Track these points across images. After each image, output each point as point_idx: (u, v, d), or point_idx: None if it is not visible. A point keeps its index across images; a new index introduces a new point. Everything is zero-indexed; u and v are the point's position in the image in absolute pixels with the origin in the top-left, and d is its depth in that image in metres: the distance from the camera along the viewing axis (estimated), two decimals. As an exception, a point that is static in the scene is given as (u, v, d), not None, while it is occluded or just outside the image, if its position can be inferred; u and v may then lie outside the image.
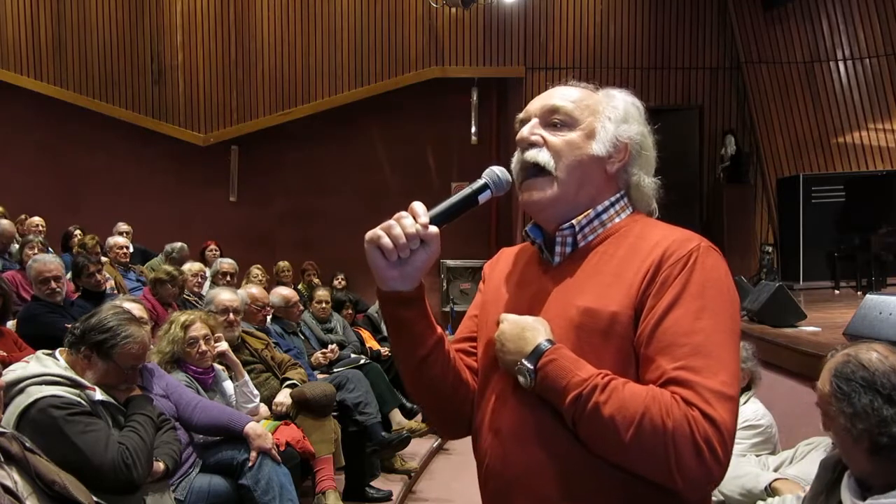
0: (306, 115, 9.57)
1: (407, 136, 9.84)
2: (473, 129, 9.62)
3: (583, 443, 1.15)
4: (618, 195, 1.32)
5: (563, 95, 1.32)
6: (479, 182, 1.27)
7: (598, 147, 1.29)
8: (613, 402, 1.10)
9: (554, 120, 1.30)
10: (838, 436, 1.61)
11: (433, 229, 1.19)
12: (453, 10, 9.28)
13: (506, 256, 1.46)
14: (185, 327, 3.31)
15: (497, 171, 1.29)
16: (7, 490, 1.73)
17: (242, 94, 9.65)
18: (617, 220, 1.30)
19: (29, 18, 9.48)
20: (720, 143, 9.41)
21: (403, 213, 1.19)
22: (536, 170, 1.29)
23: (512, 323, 1.24)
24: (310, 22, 9.58)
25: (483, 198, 1.27)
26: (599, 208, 1.30)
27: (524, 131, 1.31)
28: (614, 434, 1.10)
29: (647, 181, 1.33)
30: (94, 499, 2.05)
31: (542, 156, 1.29)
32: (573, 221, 1.28)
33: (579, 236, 1.29)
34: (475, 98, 9.58)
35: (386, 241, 1.17)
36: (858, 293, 7.21)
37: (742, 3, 9.42)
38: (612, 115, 1.31)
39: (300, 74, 9.59)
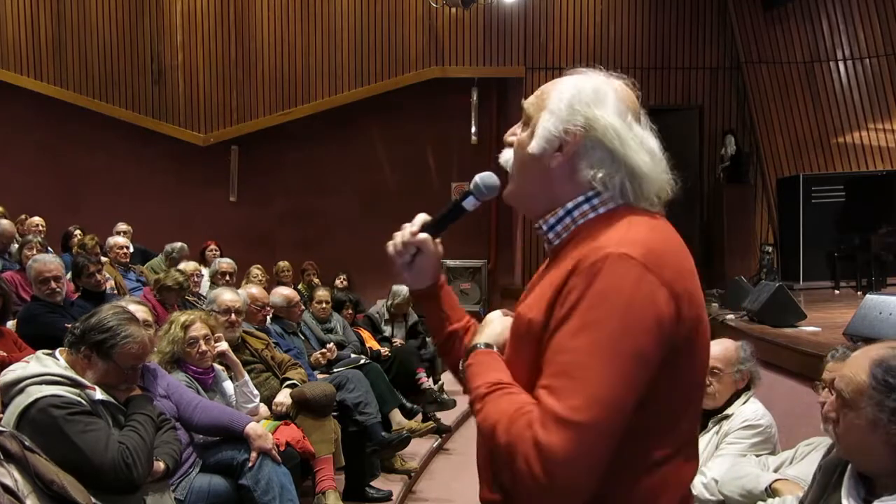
0: (306, 115, 9.58)
1: (407, 136, 9.85)
2: (473, 129, 9.63)
3: None
4: (591, 193, 1.20)
5: (537, 91, 1.28)
6: (465, 189, 1.35)
7: (533, 145, 1.21)
8: (483, 413, 1.14)
9: (522, 119, 1.29)
10: (856, 431, 1.58)
11: (421, 236, 1.35)
12: (453, 10, 9.28)
13: None
14: (185, 327, 3.31)
15: (479, 177, 1.34)
16: (7, 489, 1.73)
17: (242, 94, 9.65)
18: (591, 216, 1.20)
19: (29, 18, 9.48)
20: (720, 143, 9.42)
21: (405, 225, 1.37)
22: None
23: (483, 322, 1.35)
24: (310, 22, 9.58)
25: (469, 204, 1.33)
26: (570, 205, 1.21)
27: (507, 133, 1.33)
28: (482, 439, 1.16)
29: (618, 178, 1.18)
30: (93, 500, 2.06)
31: (504, 156, 1.31)
32: (541, 221, 1.25)
33: (551, 235, 1.24)
34: (475, 98, 9.58)
35: (390, 248, 1.38)
36: (858, 293, 7.21)
37: (742, 3, 9.43)
38: (554, 107, 1.21)
39: (300, 74, 9.60)
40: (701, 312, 1.17)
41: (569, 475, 1.04)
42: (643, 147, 1.19)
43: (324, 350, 4.99)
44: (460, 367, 1.30)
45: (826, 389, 2.36)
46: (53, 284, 4.24)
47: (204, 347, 3.32)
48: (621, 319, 1.06)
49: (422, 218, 1.37)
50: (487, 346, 1.27)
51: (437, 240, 1.38)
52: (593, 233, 1.16)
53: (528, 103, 1.26)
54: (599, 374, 1.05)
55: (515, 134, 1.28)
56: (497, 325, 1.31)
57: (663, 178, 1.21)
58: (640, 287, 1.07)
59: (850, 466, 1.73)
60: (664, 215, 1.24)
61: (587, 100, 1.20)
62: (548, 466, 1.03)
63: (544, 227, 1.25)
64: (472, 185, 1.33)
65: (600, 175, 1.18)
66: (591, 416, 1.03)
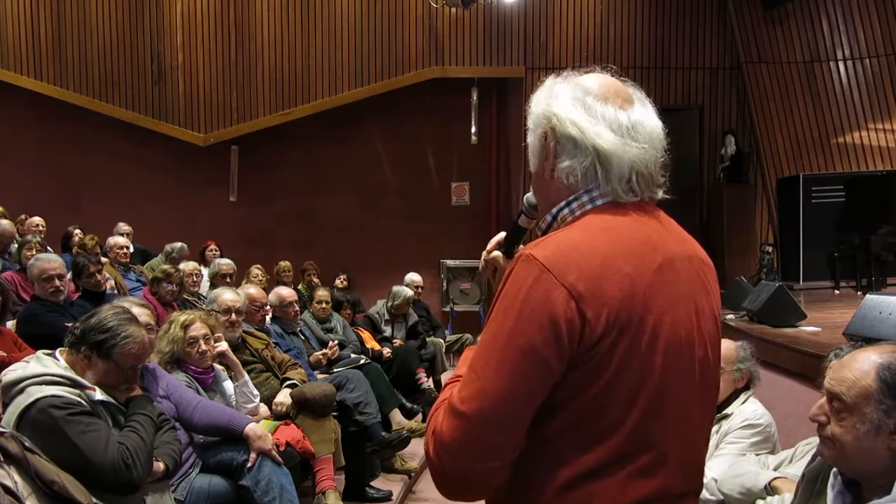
0: (306, 115, 9.58)
1: (407, 136, 9.85)
2: (473, 129, 9.62)
3: None
4: (572, 197, 1.21)
5: None
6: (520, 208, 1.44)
7: (531, 165, 1.28)
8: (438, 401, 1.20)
9: None
10: (855, 435, 1.57)
11: (495, 254, 1.43)
12: (453, 10, 9.28)
13: None
14: (185, 327, 3.31)
15: (527, 196, 1.40)
16: (7, 490, 1.73)
17: (242, 94, 9.65)
18: (569, 220, 1.22)
19: (29, 18, 9.48)
20: (720, 143, 9.42)
21: (490, 242, 1.46)
22: None
23: None
24: (310, 22, 9.58)
25: (522, 221, 1.42)
26: (554, 211, 1.24)
27: None
28: None
29: (584, 164, 1.18)
30: (94, 499, 2.06)
31: None
32: (539, 228, 1.31)
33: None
34: (475, 98, 9.58)
35: (480, 265, 1.47)
36: (858, 293, 7.21)
37: (742, 3, 9.43)
38: (530, 124, 1.27)
39: (300, 74, 9.60)
40: (636, 317, 1.11)
41: (454, 462, 1.10)
42: (605, 125, 1.18)
43: (325, 351, 4.99)
44: None
45: None
46: (57, 283, 4.23)
47: (204, 347, 3.32)
48: (515, 317, 1.09)
49: (499, 237, 1.45)
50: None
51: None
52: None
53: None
54: (487, 367, 1.09)
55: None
56: None
57: (637, 150, 1.18)
58: (536, 286, 1.09)
59: (833, 473, 1.72)
60: (652, 208, 1.22)
61: (543, 100, 1.24)
62: (438, 452, 1.11)
63: (538, 233, 1.27)
64: (521, 205, 1.43)
65: (566, 164, 1.19)
66: (476, 407, 1.08)
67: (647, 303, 1.12)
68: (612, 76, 1.26)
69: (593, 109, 1.20)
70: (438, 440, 1.11)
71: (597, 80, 1.24)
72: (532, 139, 1.25)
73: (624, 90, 1.24)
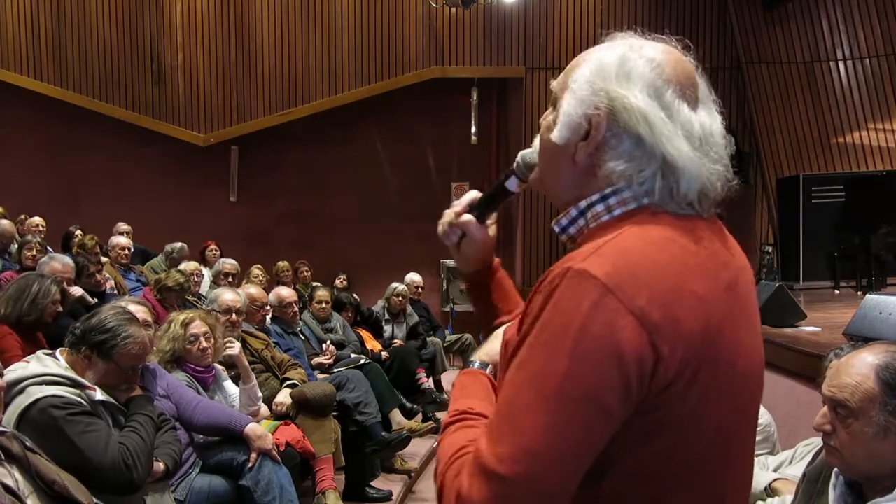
0: (306, 115, 9.58)
1: (407, 136, 9.84)
2: (473, 129, 9.62)
3: None
4: (608, 190, 0.97)
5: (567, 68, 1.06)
6: (509, 169, 1.20)
7: (556, 134, 0.99)
8: (442, 445, 1.00)
9: (551, 100, 1.08)
10: (864, 439, 1.56)
11: (465, 218, 1.22)
12: (453, 10, 9.28)
13: None
14: (185, 325, 3.32)
15: (521, 154, 1.16)
16: (8, 489, 1.73)
17: (242, 94, 9.65)
18: (605, 218, 0.98)
19: (29, 18, 9.48)
20: (720, 143, 9.41)
21: (455, 202, 1.24)
22: None
23: (493, 334, 1.20)
24: (310, 22, 9.58)
25: (512, 185, 1.19)
26: (583, 205, 1.00)
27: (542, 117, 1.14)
28: None
29: (646, 172, 0.95)
30: (94, 499, 2.06)
31: (536, 140, 1.12)
32: (553, 223, 1.06)
33: (563, 237, 1.04)
34: (475, 98, 9.58)
35: (439, 227, 1.26)
36: (858, 293, 7.21)
37: (742, 3, 9.43)
38: (577, 88, 0.98)
39: (300, 74, 9.60)
40: (711, 351, 0.90)
41: None
42: (682, 132, 0.94)
43: (321, 360, 4.98)
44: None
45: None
46: (65, 286, 4.25)
47: (205, 344, 3.33)
48: (569, 355, 0.85)
49: (470, 196, 1.23)
50: (483, 364, 1.12)
51: (489, 222, 1.25)
52: (592, 240, 0.95)
53: (555, 82, 1.05)
54: (535, 420, 0.85)
55: (547, 118, 1.06)
56: (496, 341, 1.10)
57: (711, 170, 0.96)
58: (596, 314, 0.85)
59: (835, 473, 1.72)
60: (711, 219, 1.01)
61: (609, 75, 0.97)
62: None
63: (556, 229, 1.04)
64: (515, 164, 1.18)
65: (621, 168, 0.95)
66: (522, 471, 0.84)
67: (722, 333, 0.92)
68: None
69: (671, 107, 0.95)
70: None
71: (671, 60, 0.99)
72: (569, 106, 0.98)
73: (692, 74, 1.01)
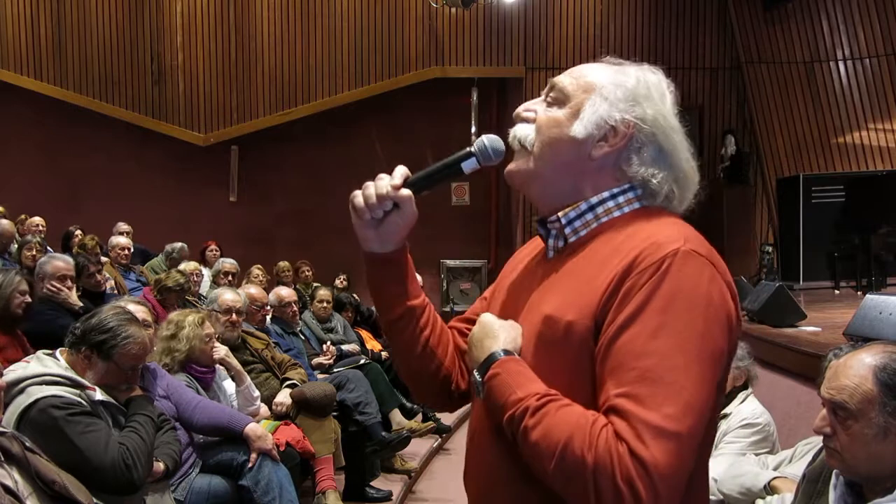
0: (306, 115, 9.58)
1: (407, 136, 9.84)
2: (473, 129, 9.62)
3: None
4: (623, 187, 1.15)
5: (571, 72, 1.21)
6: (466, 150, 1.19)
7: (577, 128, 1.13)
8: (540, 428, 1.01)
9: (550, 97, 1.20)
10: (864, 441, 1.56)
11: (404, 192, 1.16)
12: (453, 10, 9.28)
13: (531, 244, 1.33)
14: (200, 325, 3.33)
15: (487, 139, 1.19)
16: (7, 489, 1.73)
17: (242, 94, 9.65)
18: (616, 213, 1.14)
19: (29, 18, 9.48)
20: (720, 143, 9.41)
21: (382, 175, 1.17)
22: (521, 145, 1.20)
23: (481, 326, 1.17)
24: (310, 22, 9.58)
25: (468, 167, 1.18)
26: (594, 200, 1.14)
27: (520, 107, 1.24)
28: (539, 461, 1.01)
29: (662, 177, 1.14)
30: (94, 499, 2.06)
31: (521, 130, 1.20)
32: (559, 213, 1.16)
33: (568, 230, 1.16)
34: (475, 98, 9.58)
35: (358, 199, 1.17)
36: (858, 293, 7.21)
37: (742, 3, 9.43)
38: (609, 94, 1.14)
39: (300, 74, 9.60)
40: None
41: (671, 492, 0.95)
42: (687, 149, 1.18)
43: (321, 360, 4.99)
44: (475, 378, 1.14)
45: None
46: (69, 283, 4.24)
47: (216, 344, 3.38)
48: (703, 319, 1.00)
49: (403, 171, 1.19)
50: (507, 353, 1.12)
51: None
52: (631, 230, 1.09)
53: (567, 82, 1.18)
54: (690, 378, 0.98)
55: (534, 111, 1.20)
56: (510, 329, 1.15)
57: (697, 179, 1.19)
58: (714, 284, 1.03)
59: (835, 473, 1.71)
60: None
61: (649, 94, 1.16)
62: (654, 483, 0.93)
63: (563, 221, 1.15)
64: (475, 147, 1.18)
65: (642, 171, 1.14)
66: (690, 424, 0.97)
67: None
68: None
69: (678, 125, 1.17)
70: (654, 470, 0.93)
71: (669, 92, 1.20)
72: (601, 108, 1.14)
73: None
